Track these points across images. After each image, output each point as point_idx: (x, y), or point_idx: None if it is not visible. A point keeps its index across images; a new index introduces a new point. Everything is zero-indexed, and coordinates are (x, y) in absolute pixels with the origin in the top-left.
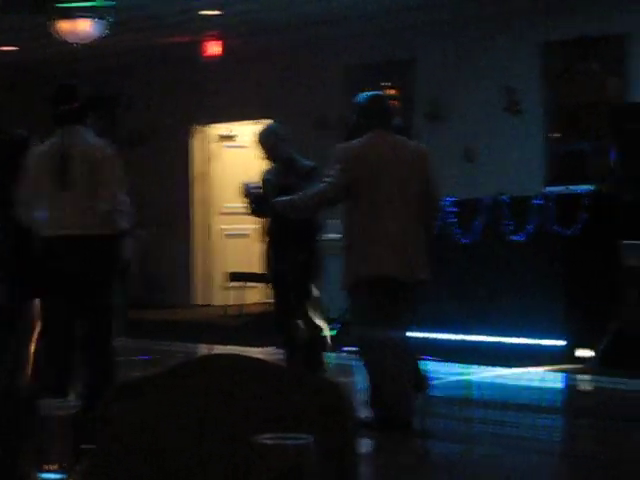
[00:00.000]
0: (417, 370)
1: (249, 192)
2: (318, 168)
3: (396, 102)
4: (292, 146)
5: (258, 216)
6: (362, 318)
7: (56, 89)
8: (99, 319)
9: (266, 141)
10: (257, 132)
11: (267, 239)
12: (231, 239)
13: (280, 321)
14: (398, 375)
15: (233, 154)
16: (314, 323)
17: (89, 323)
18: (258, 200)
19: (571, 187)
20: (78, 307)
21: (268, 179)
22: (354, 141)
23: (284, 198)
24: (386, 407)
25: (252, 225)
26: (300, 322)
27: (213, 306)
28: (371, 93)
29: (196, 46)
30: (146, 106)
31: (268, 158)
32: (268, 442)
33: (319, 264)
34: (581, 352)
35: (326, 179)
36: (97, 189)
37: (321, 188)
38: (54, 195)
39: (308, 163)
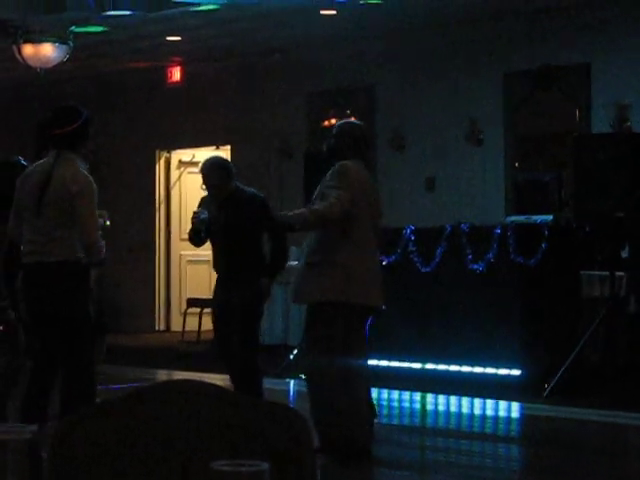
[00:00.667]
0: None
1: (198, 221)
2: (264, 199)
3: None
4: (236, 178)
5: (194, 244)
6: (332, 343)
7: (56, 109)
8: (72, 347)
9: (209, 178)
10: (202, 164)
11: (216, 270)
12: (191, 265)
13: (221, 351)
14: (358, 403)
15: (195, 180)
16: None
17: (63, 352)
18: (199, 229)
19: (532, 217)
20: (50, 334)
21: (203, 219)
22: (351, 163)
23: (296, 212)
24: (342, 434)
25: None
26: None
27: (173, 332)
28: (354, 121)
29: (159, 72)
30: (108, 131)
31: (213, 192)
32: (224, 468)
33: (261, 301)
34: (537, 382)
35: (334, 196)
36: (72, 220)
37: (332, 206)
38: (30, 220)
39: (254, 193)
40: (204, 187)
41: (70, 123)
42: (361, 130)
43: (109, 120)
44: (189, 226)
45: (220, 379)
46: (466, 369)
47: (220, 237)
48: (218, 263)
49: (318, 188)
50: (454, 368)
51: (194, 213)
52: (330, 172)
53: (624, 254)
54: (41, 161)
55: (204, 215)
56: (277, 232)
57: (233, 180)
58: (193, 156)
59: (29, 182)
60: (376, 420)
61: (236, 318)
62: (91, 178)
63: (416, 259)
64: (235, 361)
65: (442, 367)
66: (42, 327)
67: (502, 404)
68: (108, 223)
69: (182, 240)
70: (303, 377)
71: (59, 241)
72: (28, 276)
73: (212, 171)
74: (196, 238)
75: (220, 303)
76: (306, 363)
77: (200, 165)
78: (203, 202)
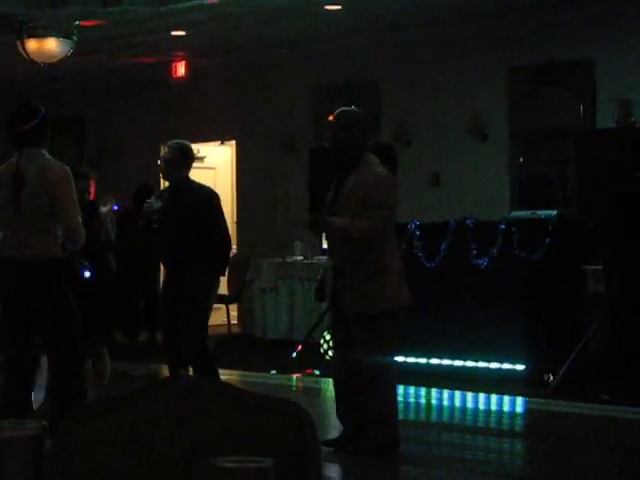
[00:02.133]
0: None
1: (148, 208)
2: (213, 194)
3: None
4: (189, 169)
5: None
6: (389, 346)
7: (15, 109)
8: (57, 341)
9: (169, 152)
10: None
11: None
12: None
13: (168, 343)
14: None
15: (200, 175)
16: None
17: (48, 345)
18: (148, 218)
19: (536, 212)
20: (34, 329)
21: (155, 209)
22: (383, 168)
23: (341, 223)
24: (386, 434)
25: None
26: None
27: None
28: (355, 110)
29: (164, 67)
30: (113, 126)
31: (164, 171)
32: (228, 465)
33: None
34: (542, 376)
35: (383, 216)
36: (52, 211)
37: (376, 229)
38: (8, 216)
39: (203, 188)
40: (161, 162)
41: (28, 121)
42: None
43: (113, 115)
44: None
45: (223, 375)
46: (470, 364)
47: (165, 230)
48: (165, 258)
49: (348, 187)
50: (458, 363)
51: (146, 202)
52: (376, 179)
53: None
54: (9, 161)
55: (157, 204)
56: (218, 228)
57: (185, 165)
58: (197, 151)
59: (1, 182)
60: None
61: (181, 311)
62: (67, 167)
63: (421, 254)
64: (180, 354)
65: (446, 362)
66: (22, 323)
67: (506, 399)
68: (116, 208)
69: None
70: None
71: (41, 234)
72: (8, 271)
73: (170, 147)
74: (147, 228)
75: (165, 297)
76: (361, 365)
77: None
78: (161, 194)
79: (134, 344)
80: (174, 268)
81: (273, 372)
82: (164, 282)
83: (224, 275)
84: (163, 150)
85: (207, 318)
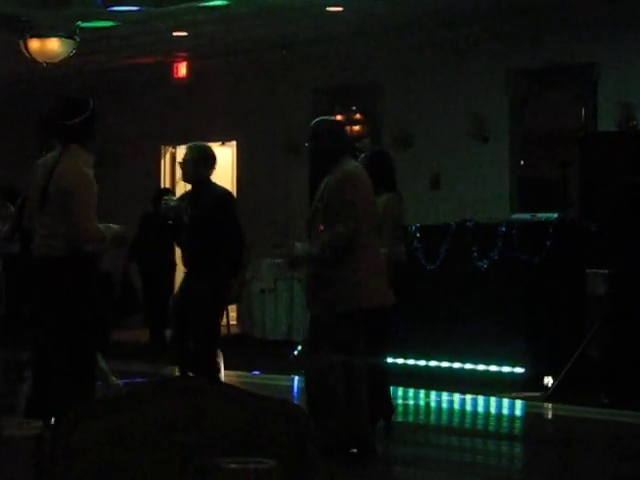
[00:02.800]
0: (387, 395)
1: (166, 207)
2: (229, 195)
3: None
4: (210, 171)
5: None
6: (348, 346)
7: (65, 101)
8: (67, 340)
9: (190, 153)
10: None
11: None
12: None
13: (173, 345)
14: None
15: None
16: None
17: (58, 343)
18: (165, 216)
19: (536, 215)
20: (48, 325)
21: (172, 207)
22: (355, 167)
23: (311, 251)
24: (344, 431)
25: None
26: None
27: None
28: (329, 118)
29: (165, 67)
30: (115, 127)
31: (184, 172)
32: (231, 466)
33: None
34: (542, 380)
35: (343, 225)
36: (70, 214)
37: (341, 236)
38: (35, 214)
39: (220, 189)
40: (181, 162)
41: (77, 115)
42: (343, 126)
43: (115, 115)
44: None
45: (226, 375)
46: (470, 366)
47: (185, 231)
48: (182, 257)
49: (321, 191)
50: (458, 365)
51: (163, 200)
52: (338, 179)
53: None
54: (48, 155)
55: (174, 203)
56: (236, 231)
57: (204, 167)
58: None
59: (35, 177)
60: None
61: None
62: (91, 176)
63: (421, 256)
64: (188, 357)
65: (446, 364)
66: (43, 321)
67: (505, 402)
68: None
69: None
70: (304, 376)
71: (62, 236)
72: (33, 269)
73: (190, 148)
74: (163, 225)
75: (177, 298)
76: (320, 364)
77: None
78: (181, 196)
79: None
80: (191, 267)
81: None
82: (181, 282)
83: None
84: (165, 150)
85: (220, 318)
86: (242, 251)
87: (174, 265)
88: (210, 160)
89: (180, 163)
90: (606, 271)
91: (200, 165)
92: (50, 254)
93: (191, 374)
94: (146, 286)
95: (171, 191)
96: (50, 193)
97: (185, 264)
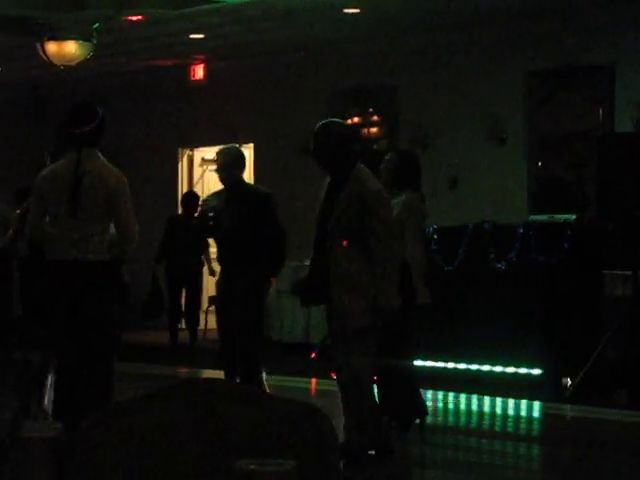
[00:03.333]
0: (418, 397)
1: (207, 207)
2: (269, 195)
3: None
4: (242, 172)
5: (201, 233)
6: (369, 355)
7: (73, 108)
8: (100, 343)
9: (222, 159)
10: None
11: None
12: (213, 262)
13: (223, 345)
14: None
15: (217, 177)
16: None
17: (90, 346)
18: (206, 217)
19: (554, 216)
20: (81, 331)
21: (211, 207)
22: (373, 178)
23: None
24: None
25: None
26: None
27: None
28: (338, 121)
29: (182, 69)
30: (131, 129)
31: (220, 178)
32: (250, 467)
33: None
34: (560, 381)
35: (396, 242)
36: (109, 216)
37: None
38: (64, 218)
39: (260, 189)
40: (216, 169)
41: (89, 122)
42: (356, 130)
43: (132, 118)
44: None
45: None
46: (487, 368)
47: (224, 230)
48: (222, 256)
49: (344, 203)
50: (475, 367)
51: (203, 201)
52: (369, 196)
53: None
54: (62, 161)
55: (214, 202)
56: (277, 230)
57: (238, 170)
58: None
59: (56, 182)
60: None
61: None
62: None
63: (438, 257)
64: (237, 354)
65: (463, 366)
66: (72, 323)
67: (523, 403)
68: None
69: None
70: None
71: (95, 237)
72: (61, 273)
73: (222, 153)
74: (203, 227)
75: (222, 295)
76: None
77: None
78: (217, 195)
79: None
80: (231, 266)
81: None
82: (221, 282)
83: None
84: (182, 152)
85: (262, 316)
86: (284, 250)
87: (201, 268)
88: (241, 161)
89: (215, 170)
90: (625, 272)
91: (233, 168)
92: (89, 258)
93: (237, 374)
94: (171, 289)
95: (199, 195)
96: (82, 196)
97: (224, 263)
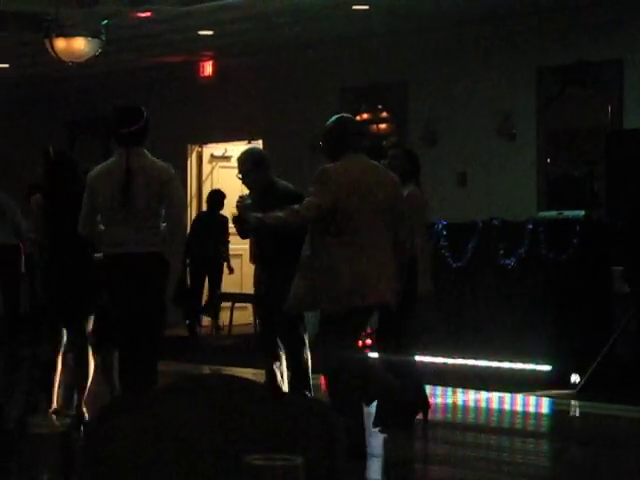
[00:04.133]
0: (422, 391)
1: (242, 206)
2: (299, 194)
3: (386, 125)
4: (272, 171)
5: (240, 233)
6: (333, 344)
7: (118, 110)
8: (154, 337)
9: (242, 166)
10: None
11: (255, 260)
12: (232, 258)
13: (264, 342)
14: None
15: (227, 174)
16: (302, 344)
17: (143, 341)
18: (242, 215)
19: (563, 212)
20: (134, 323)
21: (246, 205)
22: (332, 164)
23: (269, 215)
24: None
25: (244, 245)
26: (281, 344)
27: (204, 326)
28: (335, 117)
29: (191, 66)
30: None
31: (245, 184)
32: (258, 462)
33: None
34: (568, 377)
35: (307, 198)
36: (163, 209)
37: (302, 207)
38: (117, 214)
39: (289, 186)
40: (240, 176)
41: (135, 122)
42: (343, 124)
43: None
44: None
45: (252, 373)
46: (496, 364)
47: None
48: (257, 254)
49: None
50: (484, 363)
51: (239, 197)
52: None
53: None
54: (111, 159)
55: (248, 201)
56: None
57: (264, 171)
58: (225, 150)
59: (107, 180)
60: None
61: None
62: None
63: (448, 254)
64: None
65: (472, 362)
66: (129, 316)
67: (532, 399)
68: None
69: None
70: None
71: (150, 232)
72: (117, 266)
73: (242, 160)
74: (239, 225)
75: (260, 293)
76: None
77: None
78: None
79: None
80: (265, 263)
81: None
82: (260, 280)
83: None
84: (191, 149)
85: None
86: None
87: (222, 264)
88: (265, 162)
89: (240, 179)
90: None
91: (259, 172)
92: (144, 250)
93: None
94: (194, 283)
95: (224, 193)
96: (133, 192)
97: (257, 260)
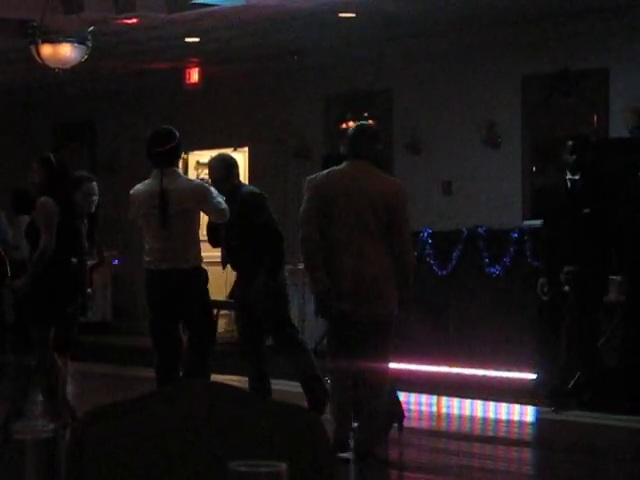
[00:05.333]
0: (395, 400)
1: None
2: (260, 194)
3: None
4: (254, 174)
5: (211, 241)
6: (330, 348)
7: (154, 132)
8: (202, 344)
9: (214, 172)
10: (208, 162)
11: (229, 267)
12: (205, 266)
13: (246, 349)
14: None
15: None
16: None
17: (192, 349)
18: (211, 228)
19: None
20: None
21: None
22: (322, 172)
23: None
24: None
25: None
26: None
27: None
28: (358, 123)
29: (178, 73)
30: (126, 133)
31: (217, 188)
32: (242, 469)
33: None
34: (553, 386)
35: (301, 208)
36: (196, 226)
37: (301, 225)
38: (156, 231)
39: (251, 189)
40: (209, 181)
41: (167, 143)
42: (358, 131)
43: (126, 121)
44: (202, 227)
45: (236, 380)
46: (481, 372)
47: (223, 234)
48: (226, 260)
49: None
50: (469, 371)
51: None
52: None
53: None
54: (149, 179)
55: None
56: (270, 230)
57: (231, 176)
58: (211, 157)
59: (145, 198)
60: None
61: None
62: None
63: (433, 262)
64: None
65: (457, 370)
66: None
67: (517, 408)
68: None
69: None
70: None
71: (190, 246)
72: (160, 282)
73: (211, 165)
74: (212, 233)
75: (240, 300)
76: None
77: None
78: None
79: None
80: (233, 268)
81: None
82: (235, 285)
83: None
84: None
85: (287, 310)
86: (279, 248)
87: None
88: (235, 168)
89: (210, 183)
90: (618, 277)
91: (228, 176)
92: (183, 267)
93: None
94: None
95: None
96: (169, 210)
97: (227, 264)
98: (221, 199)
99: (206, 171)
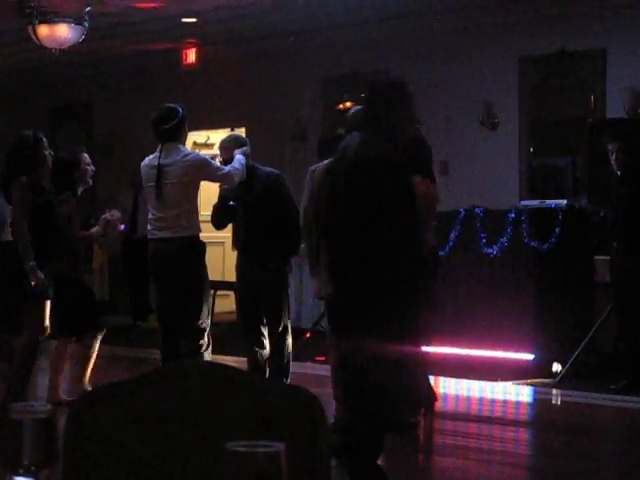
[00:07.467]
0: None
1: (225, 189)
2: (281, 176)
3: None
4: (252, 156)
5: (217, 222)
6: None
7: (159, 109)
8: (198, 306)
9: (227, 152)
10: (220, 142)
11: (237, 247)
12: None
13: (246, 329)
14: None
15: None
16: (284, 332)
17: (189, 312)
18: (226, 200)
19: (546, 201)
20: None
21: (225, 189)
22: (319, 163)
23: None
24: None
25: (227, 233)
26: (265, 331)
27: None
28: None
29: (175, 53)
30: (123, 113)
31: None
32: (239, 449)
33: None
34: (550, 366)
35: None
36: (192, 198)
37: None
38: (153, 202)
39: (271, 171)
40: (221, 160)
41: (170, 120)
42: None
43: (124, 101)
44: (203, 208)
45: (235, 361)
46: (478, 353)
47: (240, 215)
48: (239, 240)
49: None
50: (466, 352)
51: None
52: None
53: None
54: (154, 154)
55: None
56: (287, 209)
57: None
58: (208, 138)
59: (147, 171)
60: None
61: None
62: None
63: None
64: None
65: (454, 351)
66: (173, 296)
67: (514, 388)
68: (123, 228)
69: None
70: None
71: (182, 217)
72: (158, 250)
73: (223, 146)
74: (220, 213)
75: (244, 281)
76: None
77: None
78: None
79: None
80: (248, 250)
81: None
82: (240, 267)
83: (296, 255)
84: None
85: (286, 298)
86: (297, 231)
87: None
88: (245, 146)
89: (220, 162)
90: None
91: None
92: (175, 236)
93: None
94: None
95: None
96: (164, 183)
97: (239, 246)
98: (222, 166)
99: (204, 151)
